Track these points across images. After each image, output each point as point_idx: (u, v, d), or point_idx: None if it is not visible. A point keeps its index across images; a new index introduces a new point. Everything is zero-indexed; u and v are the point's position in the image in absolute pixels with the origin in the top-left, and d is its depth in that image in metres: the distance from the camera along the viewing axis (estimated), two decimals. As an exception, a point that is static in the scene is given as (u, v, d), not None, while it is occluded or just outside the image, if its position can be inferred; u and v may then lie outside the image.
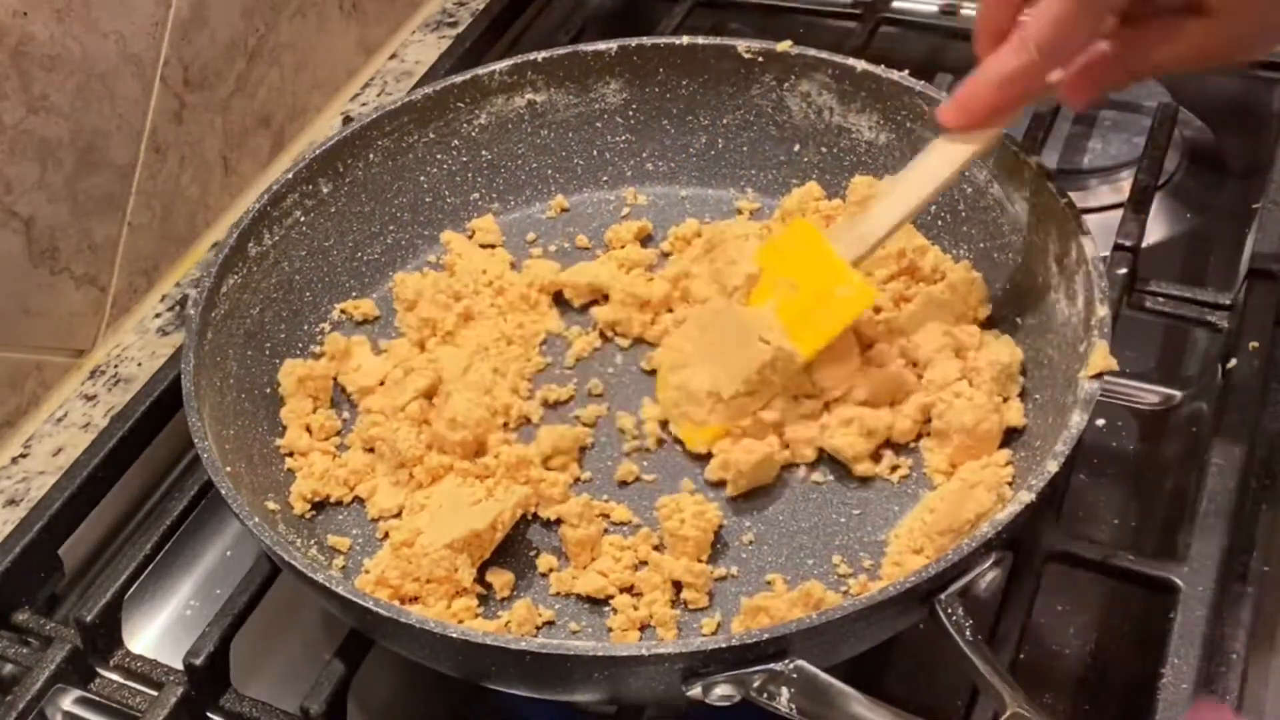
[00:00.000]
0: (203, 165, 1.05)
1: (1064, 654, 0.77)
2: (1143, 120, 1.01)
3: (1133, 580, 0.74)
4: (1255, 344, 0.81)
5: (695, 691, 0.63)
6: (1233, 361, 0.80)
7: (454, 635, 0.64)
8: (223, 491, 0.72)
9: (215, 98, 1.05)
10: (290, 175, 0.89)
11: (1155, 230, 0.96)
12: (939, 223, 0.88)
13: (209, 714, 0.75)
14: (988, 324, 0.83)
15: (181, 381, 0.77)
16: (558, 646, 0.64)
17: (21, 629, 0.80)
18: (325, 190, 0.91)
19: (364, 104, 1.19)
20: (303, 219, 0.89)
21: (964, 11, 1.18)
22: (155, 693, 0.74)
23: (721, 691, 0.63)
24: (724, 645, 0.62)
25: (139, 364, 0.98)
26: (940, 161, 0.78)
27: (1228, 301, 0.85)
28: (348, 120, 1.17)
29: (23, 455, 0.93)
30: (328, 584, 0.67)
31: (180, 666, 0.75)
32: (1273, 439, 0.80)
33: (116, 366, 0.98)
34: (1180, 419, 0.88)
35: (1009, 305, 0.83)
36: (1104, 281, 0.74)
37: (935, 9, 1.18)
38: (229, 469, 0.74)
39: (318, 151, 0.90)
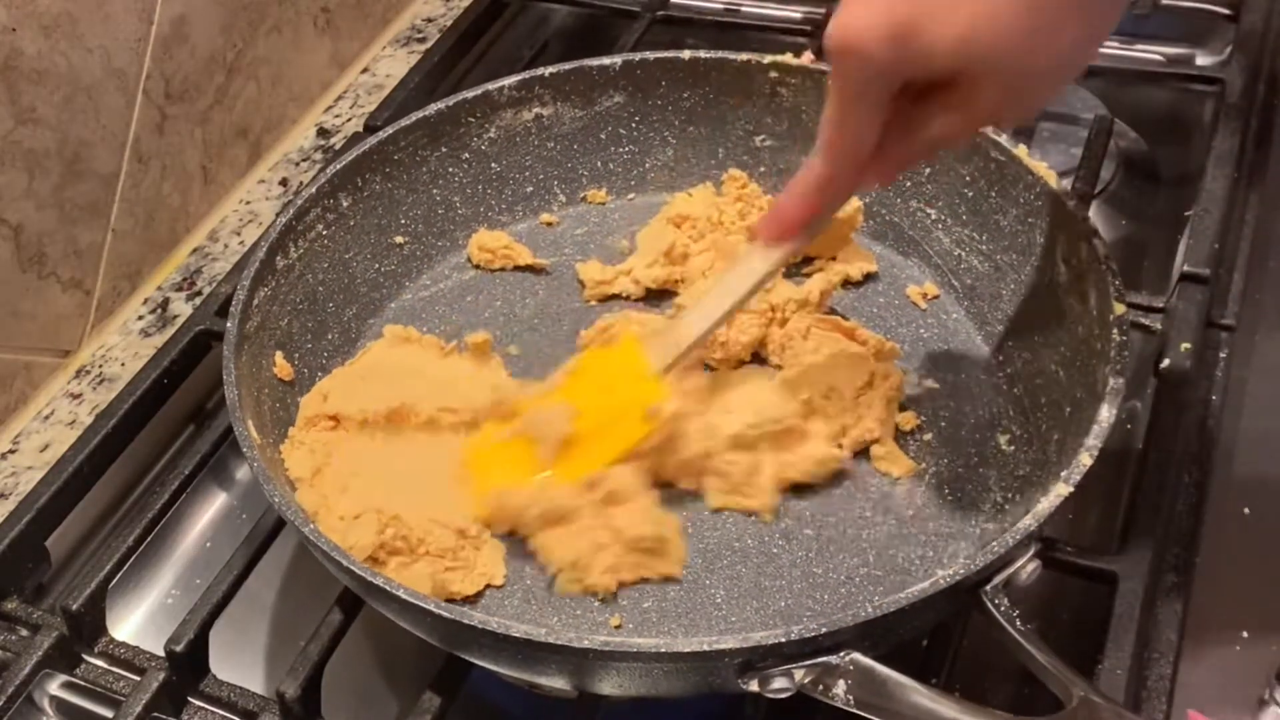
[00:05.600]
0: (183, 174, 1.06)
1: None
2: (1080, 132, 1.03)
3: (1073, 572, 0.75)
4: (1187, 345, 0.82)
5: (752, 684, 0.63)
6: (1166, 362, 0.82)
7: (461, 618, 0.64)
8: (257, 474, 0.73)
9: (195, 110, 1.06)
10: (314, 190, 0.89)
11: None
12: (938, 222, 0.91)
13: (189, 698, 0.77)
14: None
15: (225, 394, 0.76)
16: (622, 644, 0.63)
17: (10, 617, 0.81)
18: (345, 204, 0.91)
19: (338, 116, 1.20)
20: (325, 232, 0.90)
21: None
22: (138, 678, 0.76)
23: (778, 684, 0.63)
24: (781, 640, 0.62)
25: (122, 364, 0.99)
26: (749, 270, 0.78)
27: (1161, 305, 0.86)
28: (322, 132, 1.18)
29: (11, 451, 0.94)
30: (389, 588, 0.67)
31: (162, 653, 0.76)
32: (1202, 435, 0.83)
33: (101, 366, 0.99)
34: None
35: (1017, 306, 0.85)
36: (1118, 280, 0.75)
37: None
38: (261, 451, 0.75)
39: (339, 166, 0.90)
